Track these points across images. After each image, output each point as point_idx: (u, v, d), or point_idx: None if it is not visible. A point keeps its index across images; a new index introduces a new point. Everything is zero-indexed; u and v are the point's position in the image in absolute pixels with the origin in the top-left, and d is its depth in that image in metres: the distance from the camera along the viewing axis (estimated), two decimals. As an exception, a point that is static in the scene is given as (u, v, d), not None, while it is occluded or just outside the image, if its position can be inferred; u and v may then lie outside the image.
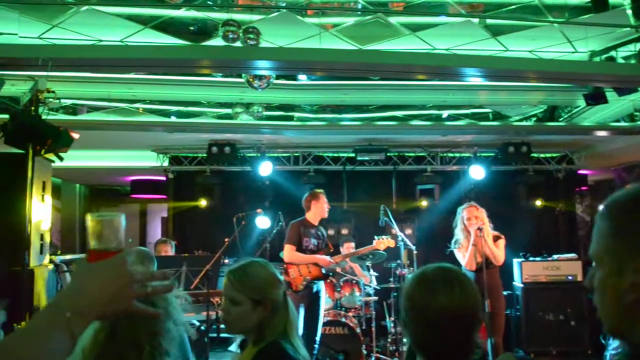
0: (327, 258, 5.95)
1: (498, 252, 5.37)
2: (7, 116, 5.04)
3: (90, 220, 1.23)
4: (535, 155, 9.12)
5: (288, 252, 5.97)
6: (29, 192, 5.06)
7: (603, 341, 5.83)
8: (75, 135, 5.03)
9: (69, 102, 7.53)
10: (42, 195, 5.68)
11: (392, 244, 6.42)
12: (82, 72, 6.43)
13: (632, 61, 6.15)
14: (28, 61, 4.87)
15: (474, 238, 5.29)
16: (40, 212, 5.55)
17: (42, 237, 5.67)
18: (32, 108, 4.84)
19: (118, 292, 1.08)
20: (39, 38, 5.83)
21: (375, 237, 6.45)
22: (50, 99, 4.95)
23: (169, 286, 1.22)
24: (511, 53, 6.46)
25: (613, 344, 5.35)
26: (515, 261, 7.96)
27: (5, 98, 6.99)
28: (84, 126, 7.13)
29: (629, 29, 5.81)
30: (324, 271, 5.87)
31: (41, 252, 5.68)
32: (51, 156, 5.17)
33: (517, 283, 7.92)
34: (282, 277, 2.30)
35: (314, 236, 6.06)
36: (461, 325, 1.60)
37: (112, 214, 1.27)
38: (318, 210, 6.16)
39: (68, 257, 8.03)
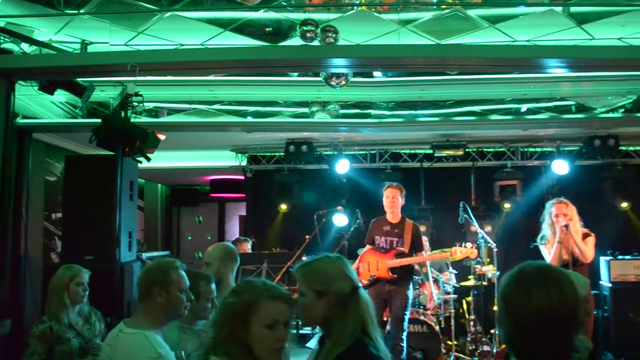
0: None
1: (586, 249, 5.15)
2: (98, 120, 5.32)
3: None
4: (623, 148, 8.67)
5: (364, 249, 6.12)
6: (118, 191, 5.31)
7: None
8: (162, 137, 5.24)
9: (151, 105, 7.84)
10: (130, 195, 5.95)
11: (472, 254, 6.11)
12: (166, 75, 6.69)
13: None
14: (118, 67, 5.11)
15: (560, 235, 5.11)
16: (128, 210, 5.81)
17: (130, 235, 5.94)
18: (122, 112, 5.07)
19: None
20: (126, 45, 6.11)
21: (456, 245, 6.23)
22: (138, 103, 5.18)
23: None
24: (598, 41, 6.17)
25: None
26: (603, 259, 7.59)
27: (95, 103, 7.37)
28: (166, 128, 7.38)
29: None
30: (390, 273, 5.77)
31: (129, 249, 5.96)
32: (139, 157, 5.40)
33: (605, 282, 7.56)
34: (353, 274, 2.34)
35: (386, 234, 5.98)
36: (555, 328, 1.54)
37: None
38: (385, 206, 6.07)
39: (153, 254, 8.40)
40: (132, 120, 5.09)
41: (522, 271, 1.64)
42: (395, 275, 5.75)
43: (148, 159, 5.25)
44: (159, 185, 12.82)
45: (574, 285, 1.60)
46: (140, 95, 5.01)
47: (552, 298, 1.54)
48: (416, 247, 5.93)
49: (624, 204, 8.72)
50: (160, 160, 9.11)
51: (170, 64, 5.55)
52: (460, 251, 6.09)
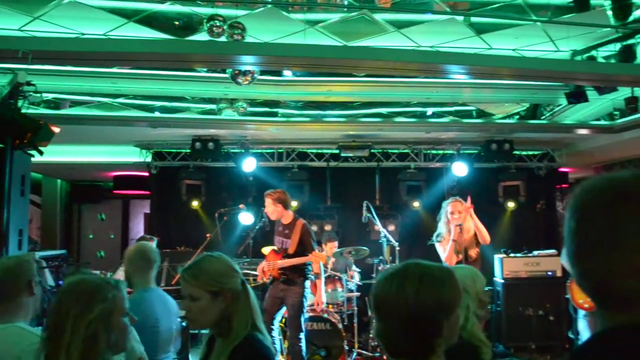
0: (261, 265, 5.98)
1: (484, 230, 5.41)
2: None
3: None
4: (517, 152, 9.20)
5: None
6: (6, 186, 4.98)
7: (572, 336, 5.98)
8: (56, 129, 4.96)
9: (50, 96, 7.44)
10: (21, 190, 5.60)
11: (322, 259, 6.03)
12: (64, 65, 6.37)
13: (612, 61, 6.24)
14: (7, 53, 4.81)
15: (454, 234, 5.35)
16: (19, 207, 5.47)
17: (20, 233, 5.59)
18: (12, 101, 4.76)
19: None
20: (20, 30, 5.76)
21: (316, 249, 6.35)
22: (31, 92, 4.88)
23: None
24: (495, 51, 6.51)
25: (583, 337, 5.48)
26: (496, 257, 8.03)
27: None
28: (66, 120, 7.05)
29: (609, 29, 5.89)
30: (280, 273, 5.82)
31: (19, 248, 5.61)
32: (31, 150, 5.09)
33: (498, 279, 7.99)
34: (237, 267, 2.32)
35: (279, 234, 6.02)
36: (412, 326, 1.54)
37: None
38: None
39: (48, 253, 7.96)
40: (24, 110, 4.80)
41: (390, 267, 1.69)
42: (285, 276, 5.78)
43: (40, 152, 4.97)
44: (59, 180, 12.19)
45: (440, 287, 1.58)
46: (33, 85, 4.72)
47: (391, 291, 1.55)
48: (306, 247, 5.87)
49: (511, 204, 9.27)
50: (59, 154, 8.70)
51: (68, 53, 5.28)
52: (315, 255, 5.97)
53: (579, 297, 5.53)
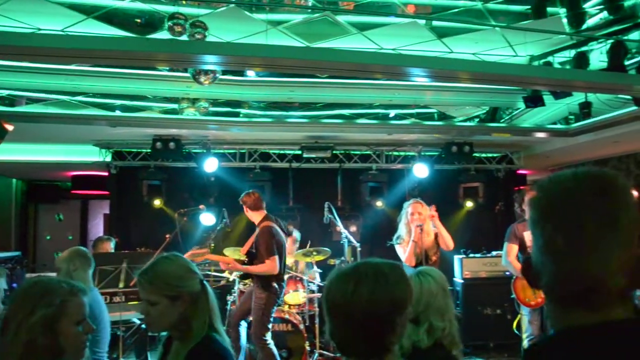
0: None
1: (448, 236, 5.46)
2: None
3: None
4: (477, 155, 9.37)
5: None
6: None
7: (517, 332, 6.15)
8: (10, 127, 4.85)
9: (5, 92, 7.24)
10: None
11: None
12: (20, 61, 6.20)
13: (568, 66, 6.42)
14: (-43, 48, 4.65)
15: (415, 235, 5.40)
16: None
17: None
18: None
19: None
20: (-29, 24, 5.59)
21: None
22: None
23: None
24: (455, 55, 6.61)
25: (527, 332, 5.64)
26: (456, 257, 8.16)
27: None
28: (22, 118, 6.87)
29: (564, 36, 6.06)
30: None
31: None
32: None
33: (458, 279, 8.12)
34: (195, 267, 2.29)
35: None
36: (364, 325, 1.55)
37: None
38: None
39: (2, 255, 7.74)
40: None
41: (343, 267, 1.70)
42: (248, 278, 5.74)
43: (-6, 151, 4.84)
44: (14, 180, 11.86)
45: (393, 286, 1.59)
46: (-15, 81, 4.59)
47: (364, 297, 1.55)
48: (258, 249, 5.71)
49: (469, 204, 9.43)
50: (14, 152, 8.49)
51: (24, 48, 5.13)
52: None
53: (525, 296, 5.67)
